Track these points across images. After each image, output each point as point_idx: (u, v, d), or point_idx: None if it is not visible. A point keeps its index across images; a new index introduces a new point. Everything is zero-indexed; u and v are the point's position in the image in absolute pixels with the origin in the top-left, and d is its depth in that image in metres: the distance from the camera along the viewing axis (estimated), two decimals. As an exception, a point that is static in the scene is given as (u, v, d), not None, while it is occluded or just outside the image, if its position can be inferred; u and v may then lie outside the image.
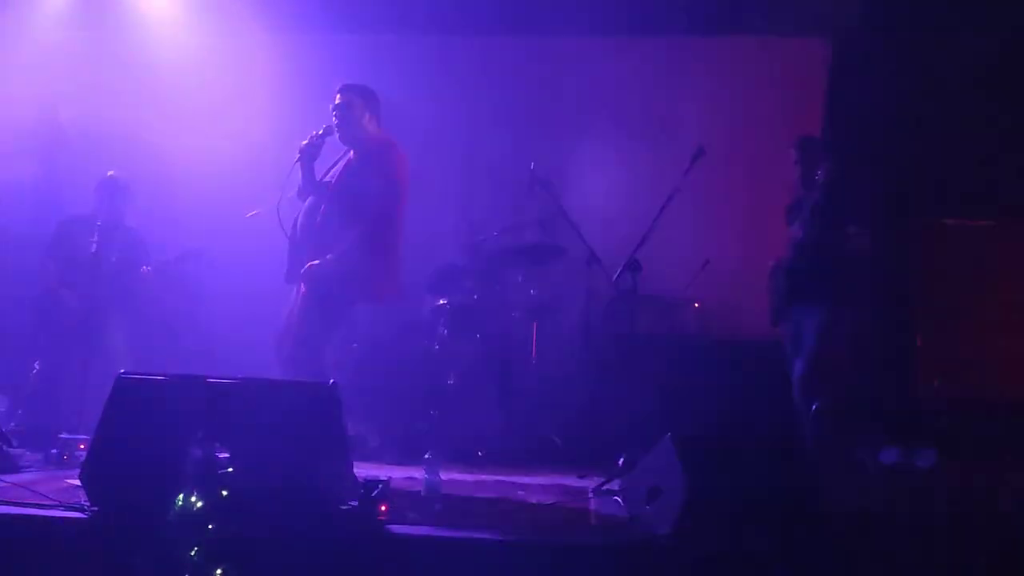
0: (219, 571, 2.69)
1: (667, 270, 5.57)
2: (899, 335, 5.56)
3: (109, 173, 5.38)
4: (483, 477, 4.59)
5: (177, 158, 6.27)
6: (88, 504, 3.06)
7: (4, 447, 4.11)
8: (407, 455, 4.68)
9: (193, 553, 2.70)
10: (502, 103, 6.28)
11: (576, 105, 5.89)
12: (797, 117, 6.17)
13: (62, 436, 4.29)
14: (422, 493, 3.43)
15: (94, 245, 5.12)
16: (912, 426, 4.73)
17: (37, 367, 5.19)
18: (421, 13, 6.18)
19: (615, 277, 4.74)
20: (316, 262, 4.00)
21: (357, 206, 4.05)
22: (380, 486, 3.32)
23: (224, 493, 2.79)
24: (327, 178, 4.28)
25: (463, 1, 6.08)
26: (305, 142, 4.16)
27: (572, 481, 4.49)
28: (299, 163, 4.18)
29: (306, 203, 4.23)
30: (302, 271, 4.05)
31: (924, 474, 4.60)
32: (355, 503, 3.21)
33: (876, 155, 5.80)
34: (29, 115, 6.34)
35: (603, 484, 4.20)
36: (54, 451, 4.21)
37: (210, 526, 2.73)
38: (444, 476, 4.45)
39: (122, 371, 3.31)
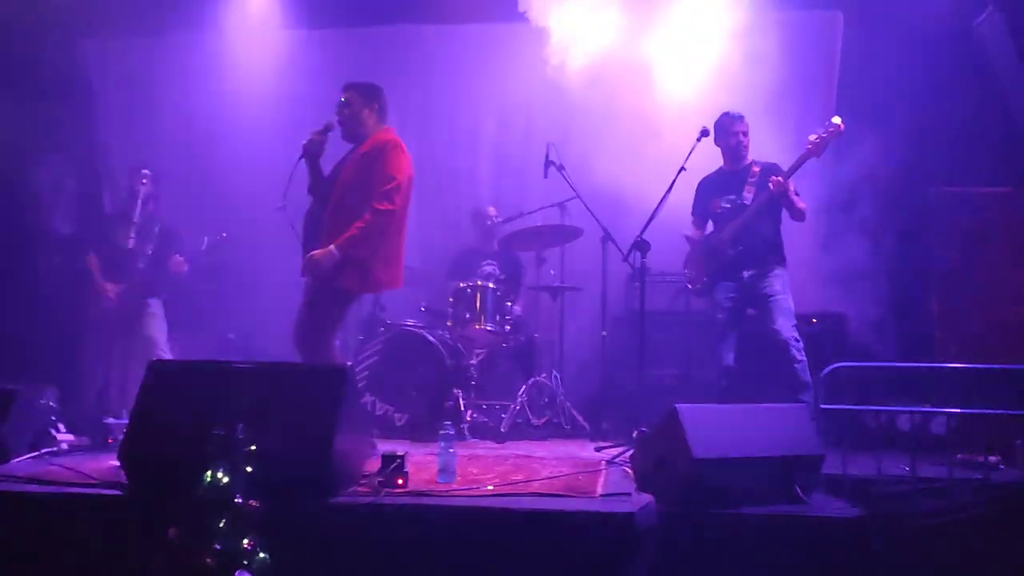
0: (245, 541, 2.92)
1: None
2: (916, 301, 5.59)
3: (143, 171, 5.61)
4: (503, 451, 4.78)
5: (210, 154, 6.52)
6: (126, 482, 3.30)
7: (53, 432, 4.40)
8: (432, 434, 4.87)
9: (222, 524, 2.92)
10: (516, 89, 6.39)
11: (585, 88, 5.97)
12: (811, 91, 6.20)
13: (107, 421, 4.56)
14: (437, 466, 3.60)
15: (131, 240, 5.39)
16: (929, 392, 4.77)
17: (84, 358, 5.50)
18: (434, 3, 6.32)
19: (624, 257, 4.86)
20: (318, 251, 4.16)
21: (360, 200, 4.21)
22: (397, 460, 3.53)
23: (248, 469, 3.01)
24: (335, 174, 4.43)
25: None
26: (306, 140, 4.33)
27: (589, 454, 4.66)
28: (304, 161, 4.35)
29: (314, 199, 4.41)
30: (305, 259, 4.22)
31: (940, 440, 4.66)
32: (370, 477, 3.42)
33: (890, 125, 5.81)
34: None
35: (617, 456, 4.36)
36: (100, 435, 4.49)
37: (237, 499, 2.95)
38: (467, 451, 4.68)
39: (154, 358, 3.54)
